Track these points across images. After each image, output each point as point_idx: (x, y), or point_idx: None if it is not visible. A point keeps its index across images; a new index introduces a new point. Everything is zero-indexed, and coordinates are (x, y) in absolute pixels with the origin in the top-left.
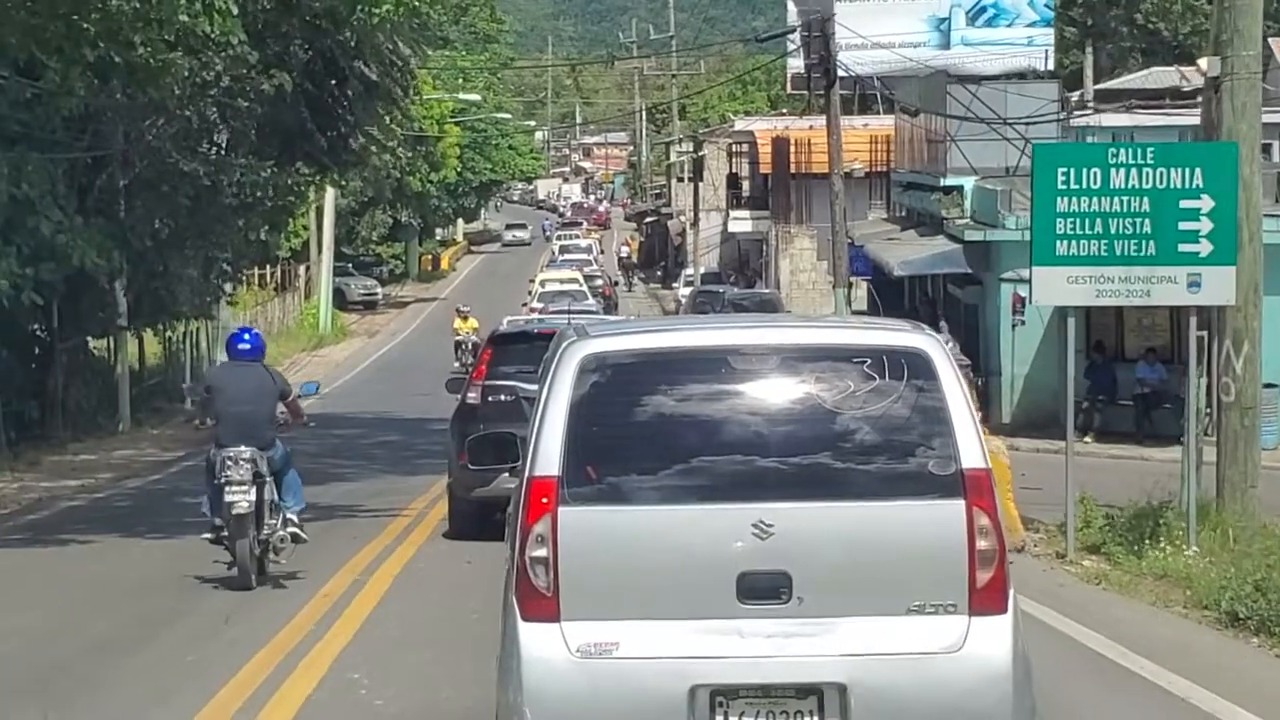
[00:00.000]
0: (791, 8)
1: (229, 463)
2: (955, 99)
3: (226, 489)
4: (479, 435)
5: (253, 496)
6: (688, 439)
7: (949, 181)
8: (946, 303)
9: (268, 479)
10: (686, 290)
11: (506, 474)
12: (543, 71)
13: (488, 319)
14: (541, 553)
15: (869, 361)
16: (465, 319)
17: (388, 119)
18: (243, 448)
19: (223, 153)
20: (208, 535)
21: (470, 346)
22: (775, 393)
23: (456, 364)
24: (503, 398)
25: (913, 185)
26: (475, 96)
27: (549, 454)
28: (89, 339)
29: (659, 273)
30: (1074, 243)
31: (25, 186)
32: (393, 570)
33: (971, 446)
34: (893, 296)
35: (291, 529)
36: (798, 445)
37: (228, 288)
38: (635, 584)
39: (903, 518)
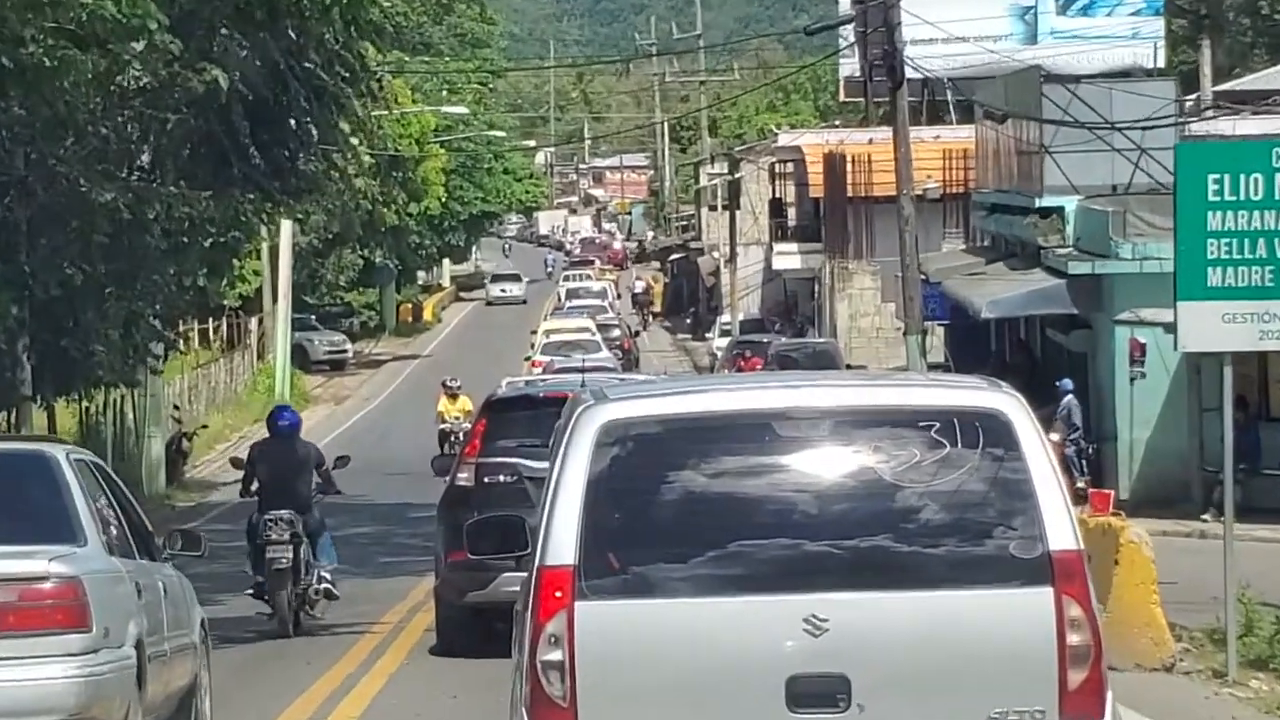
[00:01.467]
0: None
1: (269, 524)
2: (1051, 101)
3: (268, 548)
4: (479, 519)
5: (291, 554)
6: (726, 519)
7: (1046, 202)
8: (1045, 351)
9: (304, 540)
10: (723, 341)
11: (508, 574)
12: (544, 82)
13: (484, 384)
14: (555, 655)
15: (938, 426)
16: (454, 398)
17: (350, 134)
18: (282, 511)
19: (147, 178)
20: (249, 590)
21: (461, 436)
22: (828, 464)
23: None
24: (502, 479)
25: (1000, 208)
26: (463, 110)
27: (563, 540)
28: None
29: (688, 320)
30: (1231, 270)
31: None
32: (352, 714)
33: (1061, 524)
34: (976, 345)
35: (325, 585)
36: (855, 526)
37: (157, 348)
38: (666, 691)
39: (979, 609)
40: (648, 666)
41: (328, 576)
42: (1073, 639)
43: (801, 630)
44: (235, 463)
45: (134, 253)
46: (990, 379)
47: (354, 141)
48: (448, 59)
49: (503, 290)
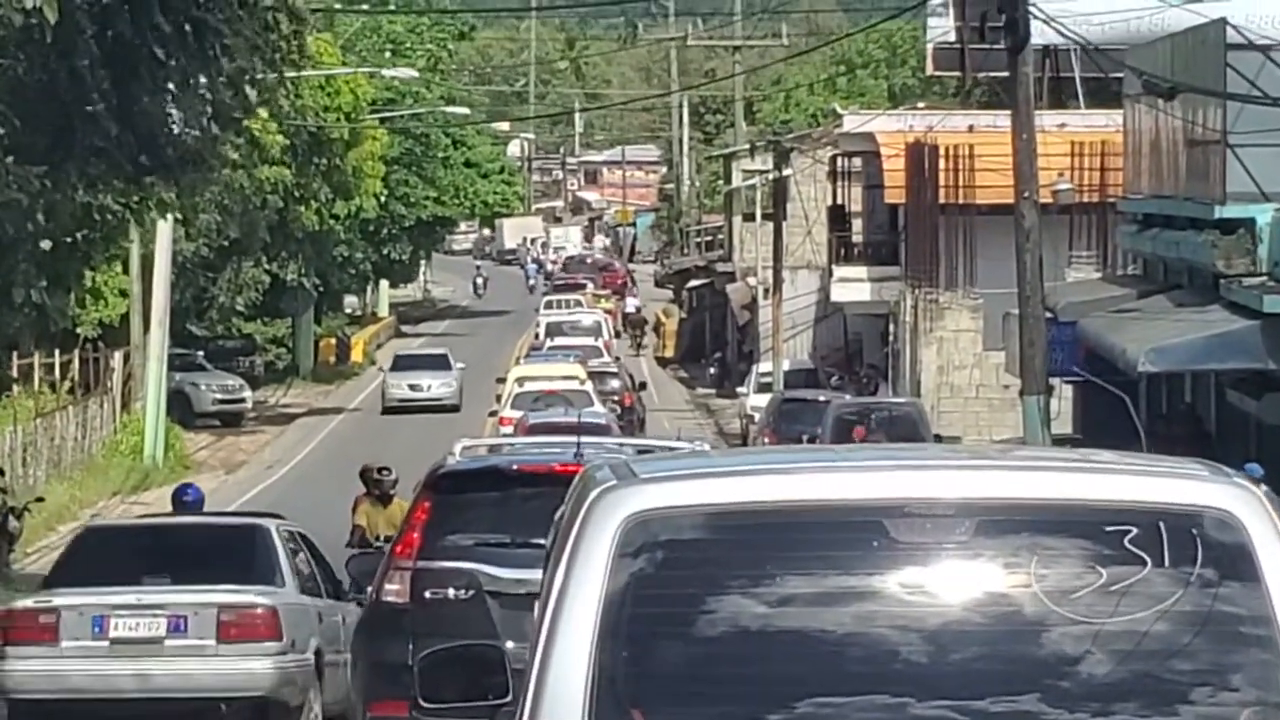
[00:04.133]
0: None
1: None
2: (1237, 72)
3: None
4: (437, 651)
5: None
6: (804, 666)
7: (1230, 213)
8: (1222, 421)
9: None
10: (761, 399)
11: None
12: (522, 47)
13: (428, 456)
14: None
15: (1134, 532)
16: (383, 501)
17: (246, 88)
18: None
19: None
20: None
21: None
22: (962, 586)
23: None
24: (452, 593)
25: (1159, 220)
26: (411, 73)
27: (565, 690)
28: None
29: (711, 370)
30: None
31: None
32: None
33: None
34: (1116, 412)
35: None
36: (1000, 680)
37: None
38: None
39: None
40: None
41: None
42: None
43: None
44: None
45: None
46: (1210, 463)
47: (250, 96)
48: (393, 8)
49: (413, 387)
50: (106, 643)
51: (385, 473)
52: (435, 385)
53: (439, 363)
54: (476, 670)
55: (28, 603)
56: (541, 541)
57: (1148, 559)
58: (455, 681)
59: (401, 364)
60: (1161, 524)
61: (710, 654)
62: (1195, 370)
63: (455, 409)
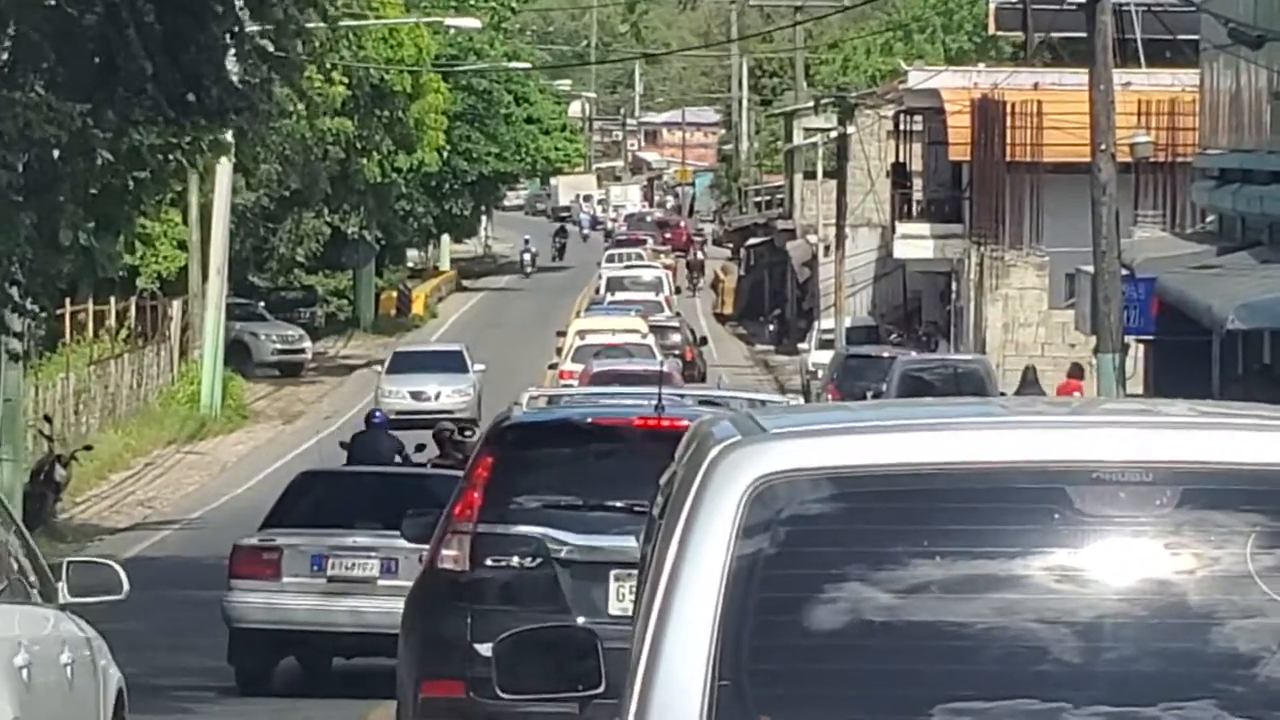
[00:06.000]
0: None
1: None
2: None
3: None
4: (520, 634)
5: None
6: (972, 665)
7: None
8: None
9: None
10: (823, 355)
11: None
12: (584, 10)
13: (496, 405)
14: None
15: None
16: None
17: (293, 24)
18: None
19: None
20: None
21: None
22: (1164, 568)
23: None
24: (516, 561)
25: (1239, 175)
26: (474, 22)
27: (678, 695)
28: None
29: (771, 327)
30: None
31: None
32: None
33: None
34: (1188, 372)
35: None
36: (1203, 680)
37: (19, 326)
38: None
39: None
40: None
41: None
42: None
43: None
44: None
45: None
46: None
47: (296, 32)
48: None
49: (415, 395)
50: (324, 580)
51: (468, 433)
52: (445, 393)
53: (451, 363)
54: (564, 656)
55: (253, 541)
56: (617, 504)
57: None
58: (539, 668)
59: (401, 364)
60: None
61: (855, 647)
62: None
63: (472, 423)
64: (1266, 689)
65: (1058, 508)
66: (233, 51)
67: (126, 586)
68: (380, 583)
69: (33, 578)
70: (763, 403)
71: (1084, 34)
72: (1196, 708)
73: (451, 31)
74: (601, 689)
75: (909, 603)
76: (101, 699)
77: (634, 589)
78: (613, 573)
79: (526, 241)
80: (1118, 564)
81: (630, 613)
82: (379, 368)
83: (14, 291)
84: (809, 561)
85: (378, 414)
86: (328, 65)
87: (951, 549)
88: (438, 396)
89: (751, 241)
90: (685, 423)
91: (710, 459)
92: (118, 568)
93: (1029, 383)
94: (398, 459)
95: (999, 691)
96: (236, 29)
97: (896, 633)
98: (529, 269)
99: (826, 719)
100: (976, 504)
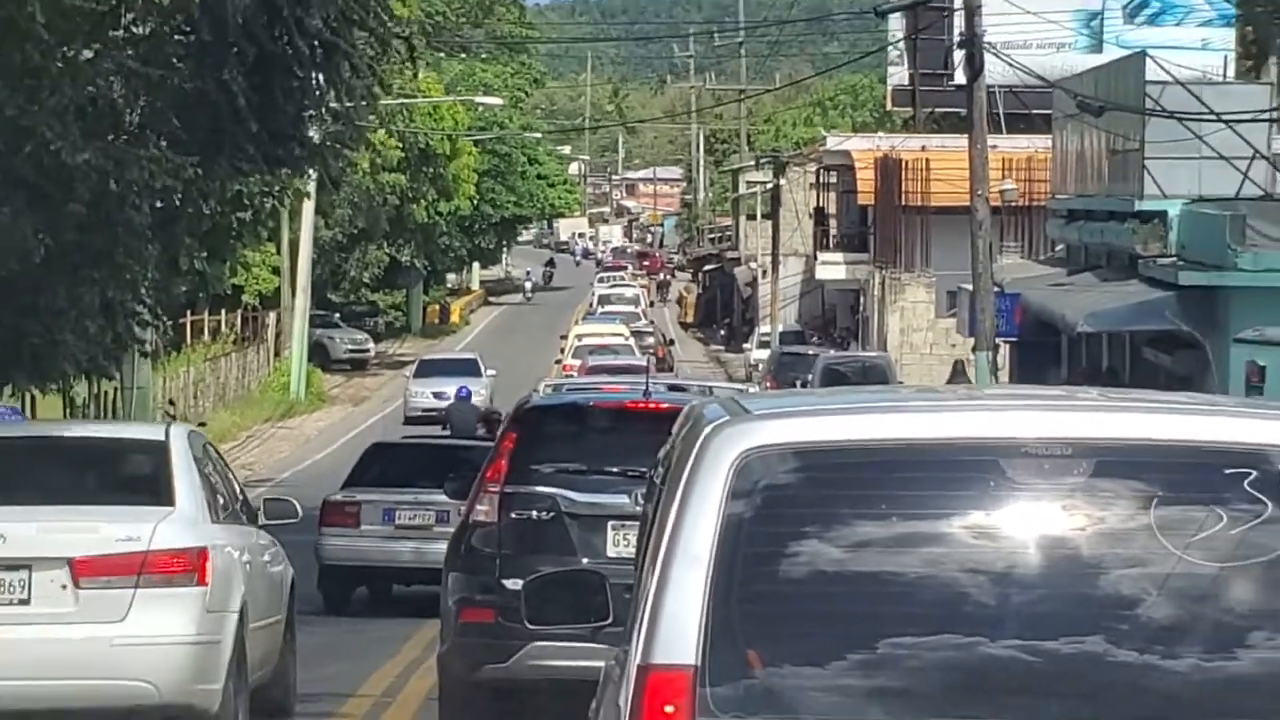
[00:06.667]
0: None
1: None
2: (1151, 99)
3: None
4: (545, 576)
5: None
6: (919, 606)
7: (1146, 206)
8: (1135, 374)
9: None
10: (762, 353)
11: (538, 643)
12: (579, 94)
13: (512, 389)
14: None
15: (1255, 475)
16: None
17: (361, 97)
18: None
19: (134, 142)
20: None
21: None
22: (1081, 528)
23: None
24: (533, 515)
25: (1084, 214)
26: (497, 101)
27: (678, 626)
28: None
29: (722, 332)
30: None
31: None
32: None
33: None
34: (1042, 368)
35: None
36: (1123, 628)
37: (145, 333)
38: None
39: None
40: None
41: None
42: None
43: None
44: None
45: (111, 229)
46: None
47: (365, 103)
48: (484, 58)
49: (437, 396)
50: (393, 528)
51: (497, 416)
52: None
53: (467, 368)
54: (580, 594)
55: (338, 497)
56: (614, 469)
57: (1269, 502)
58: (560, 604)
59: (426, 370)
60: None
61: (820, 592)
62: (1121, 331)
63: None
64: (1148, 627)
65: (991, 477)
66: (313, 117)
67: (300, 514)
68: (435, 529)
69: (242, 507)
70: (711, 390)
71: (962, 109)
72: (1091, 641)
73: (480, 108)
74: (610, 620)
75: (865, 555)
76: (284, 585)
77: (627, 536)
78: (610, 523)
79: (528, 273)
80: (1040, 524)
81: (624, 556)
82: (408, 371)
83: (143, 310)
84: (784, 521)
85: (464, 389)
86: (381, 131)
87: (901, 511)
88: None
89: (707, 267)
90: (666, 405)
91: (704, 436)
92: (295, 501)
93: (958, 373)
94: (480, 428)
95: (934, 628)
96: (318, 99)
97: (854, 580)
98: (529, 295)
99: (797, 649)
100: (923, 474)
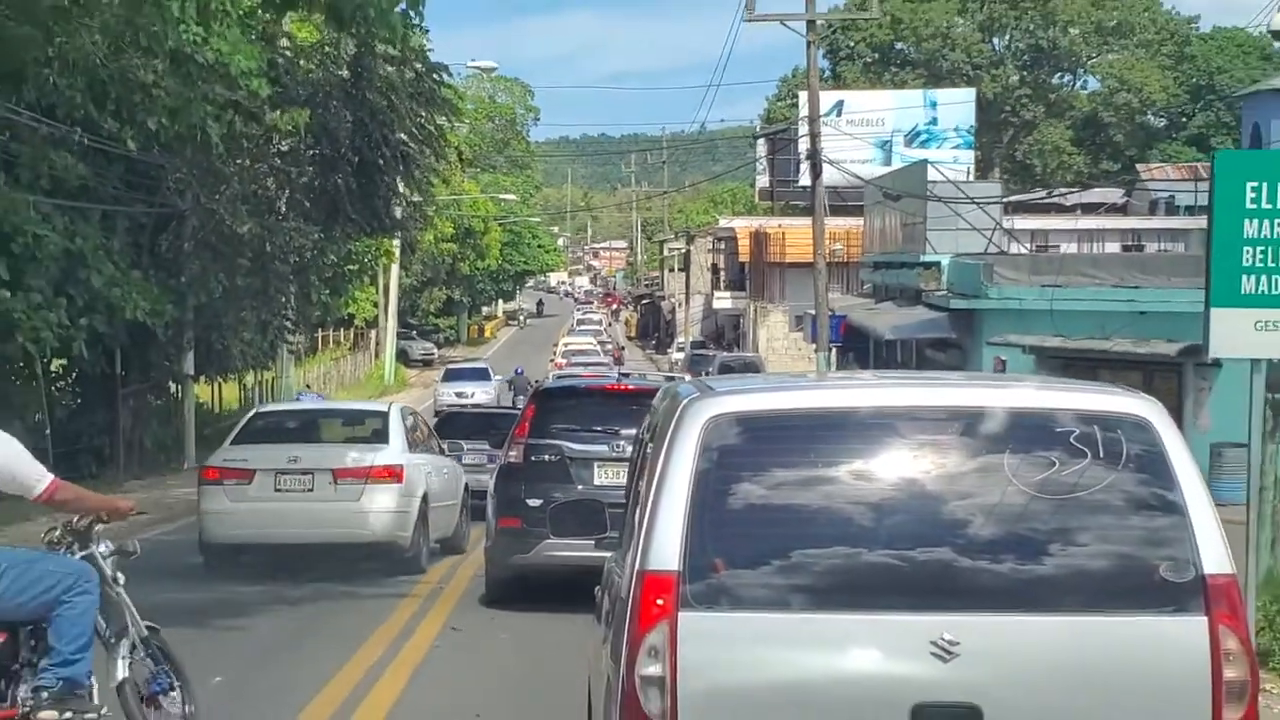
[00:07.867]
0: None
1: None
2: (929, 189)
3: None
4: (564, 503)
5: None
6: (847, 527)
7: (927, 258)
8: (920, 365)
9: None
10: (680, 355)
11: (550, 540)
12: (563, 194)
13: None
14: (655, 670)
15: (1078, 432)
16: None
17: (425, 188)
18: None
19: (279, 219)
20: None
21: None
22: (957, 470)
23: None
24: (547, 457)
25: (884, 264)
26: (513, 197)
27: (666, 542)
28: (170, 384)
29: (654, 342)
30: (1265, 278)
31: (79, 240)
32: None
33: (1214, 546)
34: (859, 363)
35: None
36: (990, 541)
37: (294, 338)
38: (775, 717)
39: (1127, 638)
40: (755, 687)
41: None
42: (1229, 673)
43: (929, 653)
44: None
45: (265, 274)
46: (1126, 386)
47: (426, 191)
48: (505, 172)
49: (459, 395)
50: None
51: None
52: (478, 393)
53: (481, 374)
54: (586, 515)
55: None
56: (599, 428)
57: (1088, 451)
58: (573, 521)
59: (450, 375)
60: (1098, 425)
61: (775, 516)
62: (911, 338)
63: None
64: (978, 538)
65: (888, 434)
66: (396, 203)
67: (466, 448)
68: (488, 466)
69: (431, 440)
70: (640, 377)
71: (805, 200)
72: (939, 550)
73: (502, 203)
74: (606, 532)
75: (790, 491)
76: (459, 484)
77: (609, 471)
78: (596, 463)
79: (523, 307)
80: (921, 468)
81: (607, 485)
82: (437, 376)
83: (287, 326)
84: (738, 467)
85: (520, 368)
86: (442, 217)
87: (820, 460)
88: (472, 395)
89: (644, 301)
90: (632, 387)
91: (682, 406)
92: (462, 442)
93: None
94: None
95: (835, 541)
96: (399, 192)
97: (781, 509)
98: (524, 323)
99: (743, 558)
100: (838, 432)
